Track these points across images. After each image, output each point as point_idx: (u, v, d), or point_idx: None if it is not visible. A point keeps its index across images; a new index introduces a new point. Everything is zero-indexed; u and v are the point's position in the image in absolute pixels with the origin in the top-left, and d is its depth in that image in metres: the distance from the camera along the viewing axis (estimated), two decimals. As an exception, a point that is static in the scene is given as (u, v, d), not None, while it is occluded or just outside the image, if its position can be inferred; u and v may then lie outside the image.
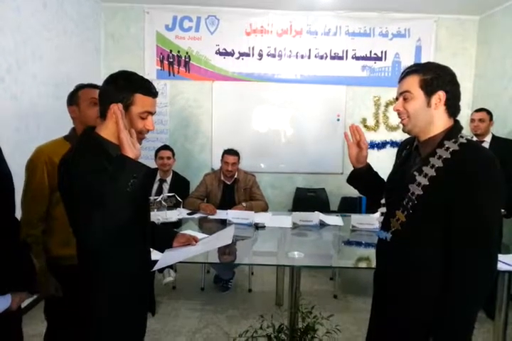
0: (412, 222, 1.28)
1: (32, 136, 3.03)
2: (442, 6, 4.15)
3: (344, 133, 1.54)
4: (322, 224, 3.04)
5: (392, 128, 4.56)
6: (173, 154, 3.68)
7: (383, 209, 1.43)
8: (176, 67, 4.48)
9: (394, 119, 4.48)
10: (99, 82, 1.33)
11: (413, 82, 1.28)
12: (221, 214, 3.19)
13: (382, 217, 1.44)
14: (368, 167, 1.55)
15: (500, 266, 2.05)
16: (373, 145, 4.54)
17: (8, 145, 1.70)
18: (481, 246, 1.18)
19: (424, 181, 1.24)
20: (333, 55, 4.49)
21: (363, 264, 2.59)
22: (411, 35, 4.47)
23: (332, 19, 4.45)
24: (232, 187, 3.58)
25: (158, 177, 3.64)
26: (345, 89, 4.54)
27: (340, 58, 4.50)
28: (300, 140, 4.59)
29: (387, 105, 4.53)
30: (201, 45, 4.45)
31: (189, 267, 3.80)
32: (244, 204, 3.37)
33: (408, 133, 1.36)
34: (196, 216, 3.22)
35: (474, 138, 3.24)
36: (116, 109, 1.22)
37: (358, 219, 2.94)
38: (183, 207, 3.31)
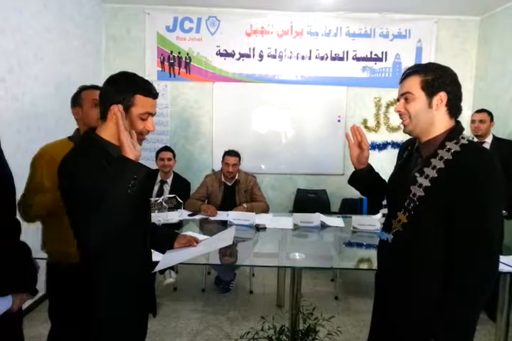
0: (413, 223, 1.28)
1: (33, 137, 3.03)
2: (443, 6, 4.15)
3: (346, 134, 1.54)
4: (323, 226, 3.04)
5: (393, 129, 4.56)
6: (174, 155, 3.68)
7: (385, 211, 1.43)
8: (176, 68, 4.48)
9: (395, 120, 4.48)
10: (100, 83, 1.33)
11: (414, 83, 1.28)
12: (222, 216, 3.19)
13: (384, 218, 1.43)
14: (369, 168, 1.54)
15: (502, 268, 2.04)
16: (374, 146, 4.54)
17: (9, 146, 1.70)
18: (483, 247, 1.18)
19: (426, 182, 1.24)
20: (333, 55, 4.49)
21: (364, 266, 2.59)
22: (411, 36, 4.47)
23: (332, 20, 4.45)
24: (233, 188, 3.58)
25: (159, 178, 3.63)
26: (346, 90, 4.54)
27: (341, 59, 4.50)
28: (301, 141, 4.58)
29: (387, 106, 4.53)
30: (202, 46, 4.45)
31: (190, 268, 3.80)
32: (245, 205, 3.36)
33: (409, 134, 1.36)
34: (197, 217, 3.22)
35: (475, 139, 3.24)
36: (116, 110, 1.22)
37: (358, 221, 2.93)
38: (183, 209, 3.31)
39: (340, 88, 4.54)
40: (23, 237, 1.54)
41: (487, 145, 3.22)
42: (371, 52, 4.49)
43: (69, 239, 1.33)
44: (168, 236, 1.60)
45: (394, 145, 4.56)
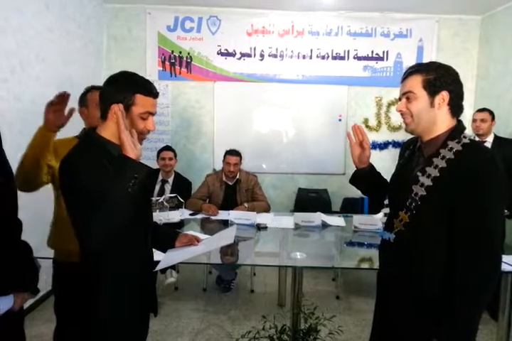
0: (415, 223, 1.28)
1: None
2: (444, 6, 4.14)
3: (347, 133, 1.53)
4: (324, 225, 3.04)
5: (394, 129, 4.55)
6: (175, 155, 3.68)
7: (386, 210, 1.42)
8: (177, 67, 4.49)
9: (396, 119, 4.48)
10: (101, 83, 1.33)
11: (416, 82, 1.28)
12: (223, 215, 3.19)
13: (386, 218, 1.43)
14: (371, 167, 1.54)
15: (504, 267, 2.03)
16: (375, 146, 4.53)
17: (10, 147, 1.70)
18: (484, 246, 1.17)
19: (428, 182, 1.24)
20: (334, 55, 4.49)
21: (365, 265, 2.59)
22: (413, 36, 4.46)
23: (334, 19, 4.44)
24: (234, 187, 3.58)
25: (160, 177, 3.64)
26: (347, 89, 4.54)
27: (342, 58, 4.49)
28: (302, 140, 4.58)
29: (389, 105, 4.52)
30: (203, 45, 4.45)
31: (191, 268, 3.80)
32: (246, 204, 3.36)
33: (411, 133, 1.36)
34: (198, 216, 3.22)
35: (476, 139, 3.24)
36: (117, 109, 1.22)
37: (360, 220, 2.93)
38: (185, 208, 3.31)
39: (342, 87, 4.53)
40: (28, 234, 1.55)
41: (488, 145, 3.22)
42: (372, 52, 4.48)
43: (74, 237, 1.33)
44: (170, 236, 1.60)
45: (395, 144, 4.56)
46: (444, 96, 1.26)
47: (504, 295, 2.41)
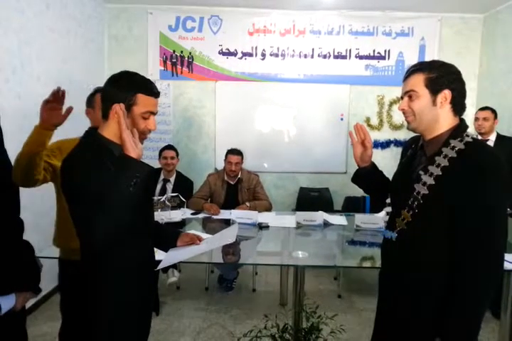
0: (417, 222, 1.27)
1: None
2: (446, 4, 4.13)
3: (349, 132, 1.53)
4: (326, 224, 3.04)
5: (396, 128, 4.55)
6: (177, 154, 3.68)
7: (388, 209, 1.42)
8: (179, 67, 4.49)
9: (398, 118, 4.47)
10: (103, 83, 1.33)
11: (418, 81, 1.27)
12: (225, 214, 3.19)
13: (388, 217, 1.42)
14: (373, 166, 1.54)
15: (506, 266, 2.03)
16: (377, 145, 4.52)
17: (12, 146, 1.70)
18: (487, 245, 1.17)
19: (430, 180, 1.24)
20: (336, 54, 4.48)
21: (367, 264, 2.59)
22: (414, 34, 4.45)
23: (335, 18, 4.44)
24: (236, 187, 3.58)
25: (161, 177, 3.64)
26: (349, 88, 4.53)
27: (344, 57, 4.48)
28: (303, 139, 4.58)
29: (390, 104, 4.52)
30: (204, 45, 4.45)
31: (193, 267, 3.81)
32: (247, 204, 3.36)
33: (413, 131, 1.35)
34: (200, 216, 3.22)
35: (479, 137, 3.23)
36: (118, 109, 1.22)
37: (362, 219, 2.93)
38: (186, 207, 3.31)
39: (343, 86, 4.53)
40: (31, 233, 1.55)
41: (491, 143, 3.21)
42: (374, 51, 4.47)
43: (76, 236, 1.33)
44: (171, 235, 1.60)
45: (397, 143, 4.55)
46: (446, 94, 1.26)
47: (506, 293, 2.40)
